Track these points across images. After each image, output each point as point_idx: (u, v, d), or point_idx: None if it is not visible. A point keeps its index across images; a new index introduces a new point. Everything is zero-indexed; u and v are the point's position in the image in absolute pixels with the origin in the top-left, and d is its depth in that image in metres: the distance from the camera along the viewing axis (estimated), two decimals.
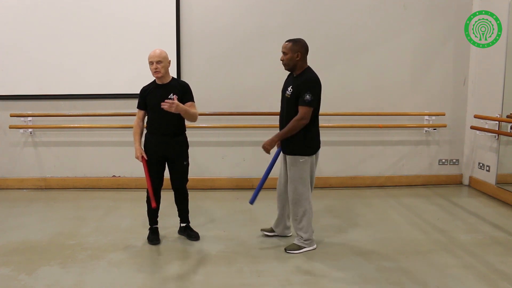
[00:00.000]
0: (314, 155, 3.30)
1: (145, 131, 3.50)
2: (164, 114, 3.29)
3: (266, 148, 3.26)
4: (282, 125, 3.33)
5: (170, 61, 3.41)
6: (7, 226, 3.92)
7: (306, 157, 3.23)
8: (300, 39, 3.24)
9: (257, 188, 3.35)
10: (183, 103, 3.33)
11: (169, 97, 3.32)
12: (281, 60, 3.25)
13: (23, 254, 3.30)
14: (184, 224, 3.67)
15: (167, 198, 3.76)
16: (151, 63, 3.30)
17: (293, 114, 3.17)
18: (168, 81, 3.40)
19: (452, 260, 3.18)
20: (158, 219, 3.62)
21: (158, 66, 3.29)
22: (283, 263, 3.14)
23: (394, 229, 3.83)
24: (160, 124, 3.36)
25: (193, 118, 3.37)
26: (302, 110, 3.11)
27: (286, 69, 3.28)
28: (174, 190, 3.59)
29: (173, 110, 3.14)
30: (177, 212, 3.66)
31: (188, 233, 3.63)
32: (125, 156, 5.13)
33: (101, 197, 4.86)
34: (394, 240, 3.56)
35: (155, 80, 3.41)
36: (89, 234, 3.70)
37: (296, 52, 3.17)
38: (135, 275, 2.97)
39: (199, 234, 3.63)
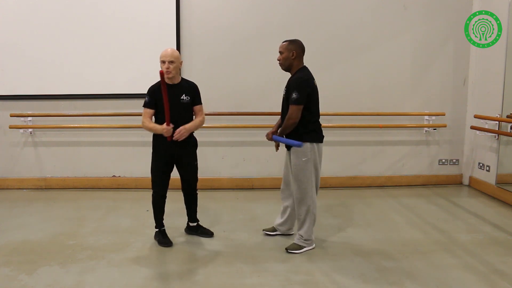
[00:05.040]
0: (317, 153, 3.29)
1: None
2: (175, 116, 3.29)
3: (269, 137, 3.42)
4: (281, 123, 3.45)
5: (182, 61, 3.42)
6: (7, 226, 3.92)
7: (309, 156, 3.23)
8: (297, 39, 3.31)
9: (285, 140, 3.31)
10: (194, 106, 3.44)
11: (181, 98, 3.33)
12: (277, 60, 3.32)
13: (23, 254, 3.30)
14: (194, 224, 3.69)
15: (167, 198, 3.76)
16: (163, 62, 3.27)
17: (286, 113, 3.28)
18: (178, 81, 3.39)
19: (452, 260, 3.18)
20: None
21: (170, 66, 3.27)
22: (283, 263, 3.14)
23: (394, 229, 3.83)
24: (174, 125, 3.30)
25: (201, 126, 3.49)
26: (290, 110, 3.19)
27: (282, 68, 3.34)
28: (184, 191, 3.59)
29: (184, 136, 3.27)
30: (176, 212, 3.66)
31: (201, 230, 3.67)
32: (125, 156, 5.13)
33: (101, 197, 4.86)
34: (394, 240, 3.56)
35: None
36: (89, 234, 3.70)
37: (291, 51, 3.23)
38: (135, 275, 2.97)
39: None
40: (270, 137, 3.45)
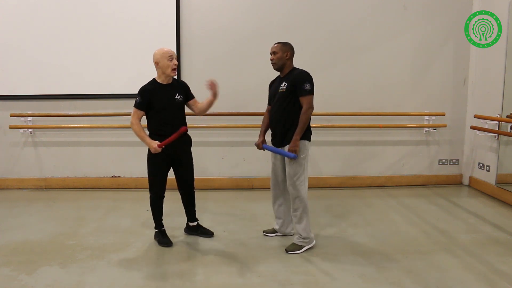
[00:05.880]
0: (309, 151, 3.35)
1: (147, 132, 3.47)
2: (173, 114, 3.31)
3: (296, 150, 3.21)
4: (273, 121, 3.41)
5: None
6: (7, 226, 3.93)
7: (306, 153, 3.29)
8: (288, 42, 3.41)
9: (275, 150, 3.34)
10: (188, 101, 3.49)
11: (176, 97, 3.35)
12: (270, 60, 3.40)
13: (23, 254, 3.30)
14: (194, 223, 3.69)
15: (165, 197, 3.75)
16: (170, 58, 3.27)
17: (286, 107, 3.29)
18: (171, 80, 3.40)
19: (452, 260, 3.18)
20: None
21: (177, 62, 3.32)
22: (283, 263, 3.14)
23: (394, 229, 3.83)
24: (169, 125, 3.31)
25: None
26: (306, 100, 3.24)
27: (275, 68, 3.42)
28: (182, 191, 3.59)
29: (216, 89, 3.33)
30: (175, 212, 3.66)
31: (201, 230, 3.67)
32: (125, 156, 5.13)
33: (101, 197, 4.86)
34: (394, 240, 3.56)
35: (154, 79, 3.38)
36: (89, 234, 3.70)
37: (285, 52, 3.34)
38: (135, 275, 2.97)
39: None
40: (260, 147, 3.53)
